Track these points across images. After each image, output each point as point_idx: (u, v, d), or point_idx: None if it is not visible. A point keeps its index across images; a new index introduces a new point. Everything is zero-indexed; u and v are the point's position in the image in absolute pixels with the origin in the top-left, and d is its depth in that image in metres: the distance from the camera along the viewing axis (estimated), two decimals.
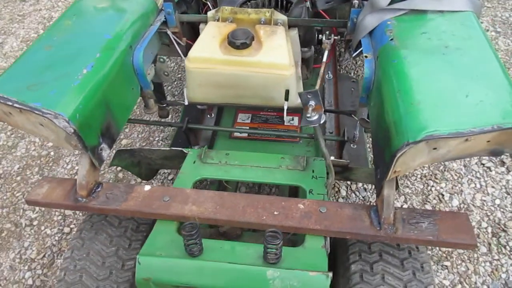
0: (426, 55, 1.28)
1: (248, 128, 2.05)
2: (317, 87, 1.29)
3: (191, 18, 1.79)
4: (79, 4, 1.66)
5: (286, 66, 1.57)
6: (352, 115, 1.70)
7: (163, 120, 2.47)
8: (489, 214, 2.30)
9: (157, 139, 2.71)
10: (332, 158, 1.49)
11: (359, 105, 1.54)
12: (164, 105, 1.87)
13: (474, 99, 1.10)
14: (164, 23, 1.75)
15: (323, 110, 1.21)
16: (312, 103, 1.20)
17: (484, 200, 2.38)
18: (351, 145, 1.98)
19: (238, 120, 2.09)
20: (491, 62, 1.23)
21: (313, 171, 1.44)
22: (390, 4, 1.49)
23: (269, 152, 1.56)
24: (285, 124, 2.04)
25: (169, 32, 1.75)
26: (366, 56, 1.44)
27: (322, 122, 1.19)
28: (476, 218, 2.28)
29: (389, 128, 1.15)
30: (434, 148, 1.07)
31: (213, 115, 2.19)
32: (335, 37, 1.63)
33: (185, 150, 1.59)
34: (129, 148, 1.62)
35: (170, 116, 2.13)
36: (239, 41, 1.55)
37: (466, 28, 1.39)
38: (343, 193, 2.37)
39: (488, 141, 1.07)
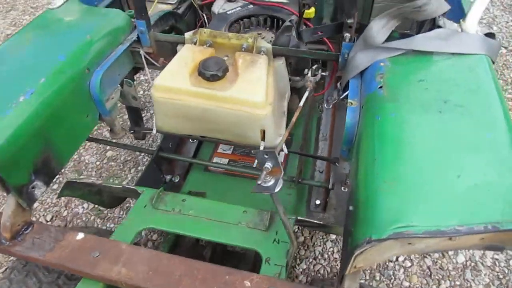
0: (417, 112, 1.04)
1: (227, 160, 1.85)
2: (278, 148, 1.07)
3: (168, 38, 1.61)
4: (46, 15, 1.51)
5: (261, 104, 1.36)
6: (336, 164, 1.47)
7: (138, 142, 2.33)
8: (501, 277, 2.00)
9: (143, 154, 2.55)
10: (301, 218, 1.28)
11: (340, 158, 1.32)
12: (132, 132, 1.70)
13: (467, 182, 0.86)
14: (138, 41, 1.58)
15: (281, 174, 1.00)
16: (268, 165, 0.99)
17: (496, 259, 2.09)
18: (342, 188, 1.75)
19: (218, 150, 1.90)
20: (498, 127, 0.99)
21: (276, 233, 1.22)
22: (386, 41, 1.26)
23: (244, 192, 1.35)
24: None
25: (141, 52, 1.58)
26: (350, 103, 1.21)
27: (277, 190, 0.98)
28: (484, 280, 1.99)
29: (358, 206, 0.93)
30: (409, 243, 0.84)
31: (195, 140, 2.01)
32: (323, 73, 1.40)
33: (139, 190, 1.40)
34: (78, 181, 1.46)
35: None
36: (209, 73, 1.36)
37: (475, 76, 1.14)
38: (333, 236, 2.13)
39: (482, 239, 0.83)
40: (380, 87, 1.14)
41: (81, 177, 2.33)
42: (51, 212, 2.17)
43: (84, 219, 2.15)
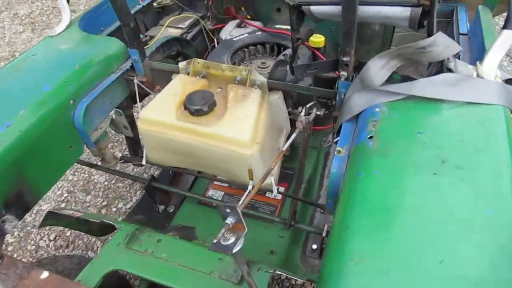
0: (407, 172, 0.90)
1: (222, 194, 1.76)
2: (240, 202, 0.96)
3: (163, 67, 1.56)
4: (44, 43, 1.51)
5: (247, 144, 1.26)
6: (321, 211, 1.34)
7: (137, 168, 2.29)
8: None
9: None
10: (280, 271, 1.16)
11: (325, 211, 1.18)
12: (122, 161, 1.66)
13: (450, 271, 0.71)
14: (133, 69, 1.55)
15: (244, 231, 0.89)
16: (230, 221, 0.88)
17: None
18: None
19: (215, 182, 1.81)
20: (503, 202, 0.81)
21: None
22: (386, 83, 1.12)
23: None
24: (266, 195, 1.72)
25: (135, 81, 1.54)
26: (338, 151, 1.08)
27: (236, 250, 0.87)
28: None
29: (320, 282, 0.80)
30: None
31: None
32: (318, 113, 1.28)
33: (116, 225, 1.34)
34: (58, 212, 1.42)
35: None
36: (194, 107, 1.28)
37: (486, 132, 0.97)
38: None
39: None
40: (370, 137, 1.01)
41: (65, 207, 2.31)
42: (55, 231, 2.18)
43: (85, 240, 2.14)
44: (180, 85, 1.42)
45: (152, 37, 1.86)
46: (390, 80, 1.14)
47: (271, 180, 1.38)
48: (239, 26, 1.96)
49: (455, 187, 0.85)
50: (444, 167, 0.89)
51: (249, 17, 2.10)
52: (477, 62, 1.14)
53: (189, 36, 1.98)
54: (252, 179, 1.37)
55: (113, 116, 1.51)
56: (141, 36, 1.94)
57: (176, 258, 1.21)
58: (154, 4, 2.13)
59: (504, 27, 1.11)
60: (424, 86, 1.06)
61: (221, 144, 1.29)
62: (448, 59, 1.11)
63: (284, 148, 1.19)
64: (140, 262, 1.21)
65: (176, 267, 1.19)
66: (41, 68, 1.37)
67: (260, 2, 2.03)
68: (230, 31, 1.94)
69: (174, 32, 1.98)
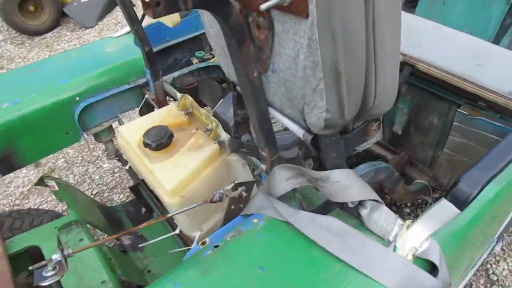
0: None
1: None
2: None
3: (168, 90, 1.68)
4: (101, 41, 1.81)
5: (170, 193, 1.29)
6: None
7: None
8: None
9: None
10: None
11: None
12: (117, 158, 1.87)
13: None
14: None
15: (64, 272, 0.96)
16: (55, 257, 0.96)
17: None
18: None
19: None
20: None
21: None
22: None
23: None
24: None
25: (147, 95, 1.70)
26: (203, 242, 1.02)
27: (43, 284, 0.94)
28: None
29: None
30: None
31: None
32: (243, 192, 1.20)
33: (69, 210, 1.55)
34: (45, 179, 1.70)
35: None
36: (145, 141, 1.37)
37: None
38: None
39: None
40: (216, 245, 0.93)
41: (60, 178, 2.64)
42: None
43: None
44: (163, 115, 1.52)
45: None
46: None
47: (196, 235, 1.38)
48: None
49: None
50: None
51: None
52: (407, 221, 0.90)
53: None
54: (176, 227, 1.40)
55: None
56: (202, 54, 2.10)
57: (73, 260, 1.34)
58: None
59: (446, 195, 0.84)
60: (305, 222, 0.90)
61: (154, 183, 1.35)
62: (361, 203, 0.90)
63: (218, 218, 1.18)
64: (52, 249, 1.39)
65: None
66: (72, 63, 1.65)
67: None
68: None
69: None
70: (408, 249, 0.85)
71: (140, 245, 1.65)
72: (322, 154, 0.83)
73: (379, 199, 0.92)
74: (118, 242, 1.74)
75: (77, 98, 1.57)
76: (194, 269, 0.89)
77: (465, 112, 1.50)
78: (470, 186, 0.81)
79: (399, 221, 0.91)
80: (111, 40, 1.81)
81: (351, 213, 0.93)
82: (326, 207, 0.96)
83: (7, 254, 1.30)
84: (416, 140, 1.83)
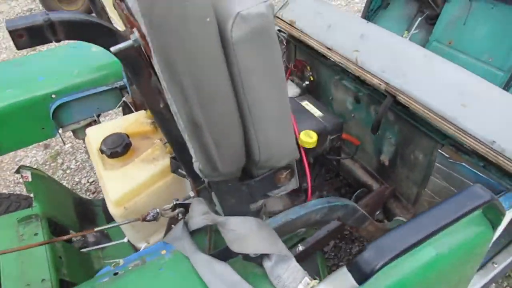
0: None
1: None
2: None
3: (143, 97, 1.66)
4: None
5: (114, 203, 1.28)
6: None
7: None
8: None
9: None
10: None
11: None
12: None
13: None
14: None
15: None
16: None
17: None
18: None
19: None
20: None
21: None
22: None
23: None
24: None
25: (124, 98, 1.70)
26: (117, 263, 0.99)
27: None
28: None
29: None
30: None
31: None
32: (180, 215, 1.16)
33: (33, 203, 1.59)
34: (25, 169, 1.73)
35: None
36: (101, 147, 1.36)
37: None
38: None
39: None
40: (115, 273, 0.90)
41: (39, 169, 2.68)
42: None
43: None
44: (130, 121, 1.50)
45: None
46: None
47: (142, 246, 1.36)
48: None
49: None
50: None
51: (312, 78, 1.96)
52: (313, 281, 0.82)
53: None
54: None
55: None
56: None
57: (22, 254, 1.36)
58: None
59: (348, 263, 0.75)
60: (203, 264, 0.84)
61: (104, 190, 1.34)
62: (266, 254, 0.83)
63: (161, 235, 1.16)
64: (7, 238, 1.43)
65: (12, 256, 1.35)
66: (55, 61, 1.68)
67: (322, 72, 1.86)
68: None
69: None
70: None
71: (100, 246, 1.67)
72: (219, 199, 0.77)
73: (288, 253, 0.85)
74: (83, 238, 1.76)
75: (53, 96, 1.59)
76: None
77: (446, 155, 1.36)
78: (375, 257, 0.71)
79: (307, 279, 0.84)
80: None
81: (255, 262, 0.86)
82: (229, 252, 0.90)
83: None
84: (402, 174, 1.70)
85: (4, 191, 2.70)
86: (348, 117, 1.85)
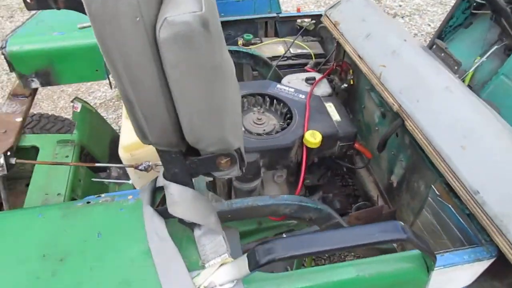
0: None
1: None
2: None
3: None
4: None
5: (123, 147, 1.49)
6: None
7: None
8: None
9: None
10: None
11: None
12: None
13: None
14: None
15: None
16: None
17: None
18: None
19: None
20: None
21: None
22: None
23: None
24: None
25: None
26: None
27: None
28: None
29: None
30: None
31: None
32: None
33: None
34: None
35: None
36: None
37: None
38: None
39: None
40: (88, 202, 1.09)
41: None
42: None
43: None
44: None
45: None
46: None
47: None
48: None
49: None
50: None
51: (352, 82, 1.96)
52: (228, 258, 0.93)
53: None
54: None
55: None
56: (250, 37, 2.18)
57: (53, 168, 1.64)
58: (298, 21, 2.27)
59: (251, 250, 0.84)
60: (147, 216, 0.99)
61: (121, 135, 1.55)
62: (199, 225, 0.95)
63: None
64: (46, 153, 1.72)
65: (43, 169, 1.64)
66: None
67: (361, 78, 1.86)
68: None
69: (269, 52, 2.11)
70: (207, 282, 0.89)
71: (120, 181, 1.92)
72: (163, 166, 0.90)
73: (217, 228, 0.96)
74: (108, 171, 2.03)
75: None
76: (60, 210, 1.07)
77: (437, 192, 1.33)
78: (267, 252, 0.79)
79: (226, 255, 0.94)
80: None
81: (189, 227, 0.99)
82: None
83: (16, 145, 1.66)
84: (405, 199, 1.68)
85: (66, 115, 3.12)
86: (373, 129, 1.83)
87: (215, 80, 0.71)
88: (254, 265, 0.80)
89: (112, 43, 0.63)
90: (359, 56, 1.57)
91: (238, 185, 1.61)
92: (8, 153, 1.27)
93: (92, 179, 1.78)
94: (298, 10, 2.33)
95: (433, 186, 1.35)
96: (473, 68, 2.30)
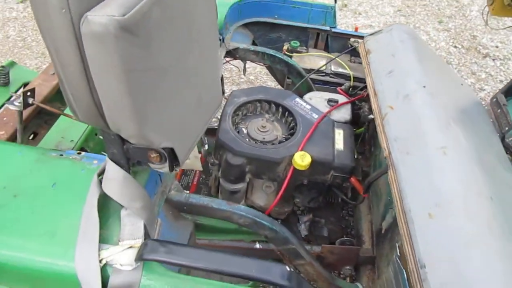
0: None
1: None
2: None
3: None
4: None
5: None
6: None
7: None
8: None
9: None
10: None
11: None
12: None
13: None
14: None
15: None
16: None
17: None
18: None
19: None
20: None
21: None
22: None
23: None
24: None
25: None
26: None
27: None
28: None
29: None
30: None
31: None
32: None
33: None
34: None
35: None
36: None
37: None
38: None
39: None
40: (61, 154, 1.23)
41: None
42: None
43: None
44: None
45: None
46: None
47: None
48: None
49: None
50: None
51: None
52: (135, 241, 0.99)
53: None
54: None
55: None
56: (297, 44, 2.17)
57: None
58: (351, 40, 2.21)
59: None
60: (92, 182, 1.09)
61: None
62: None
63: None
64: None
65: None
66: None
67: None
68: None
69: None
70: (111, 258, 0.96)
71: None
72: (104, 145, 0.97)
73: (140, 214, 1.02)
74: None
75: None
76: (37, 154, 1.22)
77: (398, 253, 1.24)
78: (148, 250, 0.82)
79: (140, 241, 1.01)
80: None
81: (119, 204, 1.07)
82: None
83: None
84: (384, 249, 1.58)
85: None
86: (383, 166, 1.75)
87: (134, 80, 0.76)
88: (138, 258, 0.85)
89: (43, 26, 0.72)
90: (374, 91, 1.50)
91: (222, 182, 1.66)
92: (28, 93, 1.45)
93: None
94: (356, 29, 2.25)
95: (397, 245, 1.26)
96: None
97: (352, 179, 1.65)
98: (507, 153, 1.69)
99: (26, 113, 1.56)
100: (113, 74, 0.73)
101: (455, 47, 3.85)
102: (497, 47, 3.77)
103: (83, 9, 0.69)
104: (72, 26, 0.70)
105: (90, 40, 0.69)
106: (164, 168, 0.98)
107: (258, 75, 3.39)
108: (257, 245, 1.77)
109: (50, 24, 0.70)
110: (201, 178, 2.07)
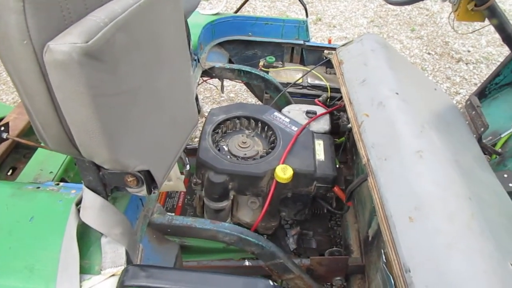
0: None
1: None
2: None
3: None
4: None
5: None
6: None
7: None
8: None
9: None
10: None
11: None
12: None
13: None
14: None
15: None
16: None
17: None
18: None
19: None
20: None
21: None
22: None
23: None
24: None
25: None
26: None
27: None
28: None
29: None
30: None
31: None
32: None
33: None
34: None
35: None
36: None
37: None
38: None
39: None
40: (38, 187, 1.21)
41: None
42: None
43: None
44: None
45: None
46: None
47: None
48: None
49: None
50: None
51: None
52: (114, 270, 0.97)
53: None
54: None
55: None
56: (272, 59, 2.20)
57: None
58: (325, 52, 2.25)
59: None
60: (71, 212, 1.07)
61: None
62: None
63: None
64: None
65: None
66: None
67: None
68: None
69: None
70: (89, 286, 0.94)
71: None
72: (79, 172, 0.96)
73: (121, 241, 1.00)
74: None
75: None
76: (12, 189, 1.19)
77: (384, 259, 1.24)
78: (129, 276, 0.81)
79: (122, 268, 0.99)
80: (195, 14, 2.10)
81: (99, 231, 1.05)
82: None
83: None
84: (373, 256, 1.58)
85: None
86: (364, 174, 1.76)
87: (102, 106, 0.76)
88: (120, 285, 0.83)
89: (6, 59, 0.71)
90: (349, 100, 1.52)
91: (206, 201, 1.65)
92: (2, 128, 1.43)
93: None
94: (329, 41, 2.30)
95: (383, 252, 1.26)
96: (507, 133, 2.08)
97: (336, 189, 1.66)
98: (485, 153, 1.73)
99: (1, 148, 1.54)
100: (80, 101, 0.73)
101: (429, 53, 3.96)
102: (469, 51, 3.88)
103: (45, 39, 0.70)
104: (35, 56, 0.70)
105: (54, 69, 0.69)
106: (142, 191, 0.97)
107: (238, 92, 3.41)
108: (246, 263, 1.75)
109: (13, 56, 0.70)
110: (186, 199, 2.05)
